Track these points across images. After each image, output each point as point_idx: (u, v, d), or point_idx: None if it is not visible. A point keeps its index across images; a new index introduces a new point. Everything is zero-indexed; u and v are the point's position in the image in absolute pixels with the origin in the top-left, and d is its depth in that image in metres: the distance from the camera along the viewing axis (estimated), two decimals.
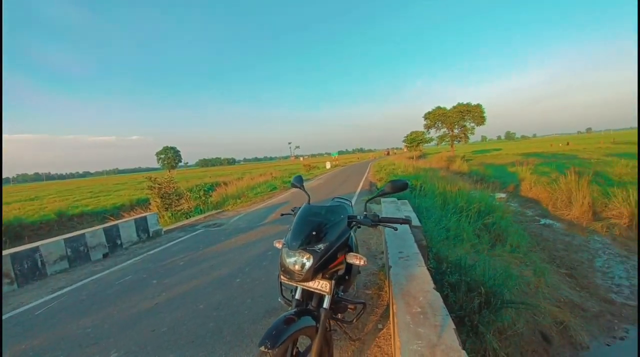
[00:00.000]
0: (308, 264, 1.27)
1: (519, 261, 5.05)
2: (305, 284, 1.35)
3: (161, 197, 8.91)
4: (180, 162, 70.33)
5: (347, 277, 1.56)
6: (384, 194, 1.56)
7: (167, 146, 66.75)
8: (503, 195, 12.25)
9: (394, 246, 1.98)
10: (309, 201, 1.72)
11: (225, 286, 3.30)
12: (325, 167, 33.66)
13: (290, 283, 1.38)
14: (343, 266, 1.43)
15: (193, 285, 3.43)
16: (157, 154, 66.97)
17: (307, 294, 1.47)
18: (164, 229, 6.67)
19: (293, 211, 1.64)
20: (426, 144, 50.34)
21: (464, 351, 0.94)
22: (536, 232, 7.24)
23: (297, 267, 1.29)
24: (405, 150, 55.10)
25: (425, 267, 1.59)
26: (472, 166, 23.24)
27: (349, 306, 1.59)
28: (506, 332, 3.56)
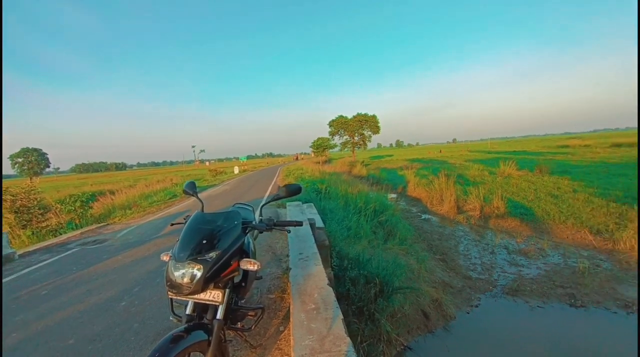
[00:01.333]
0: (198, 275, 1.19)
1: (406, 251, 5.84)
2: (195, 296, 1.26)
3: (15, 212, 7.02)
4: (48, 167, 56.75)
5: (243, 284, 1.52)
6: (278, 198, 1.59)
7: (28, 148, 53.05)
8: (394, 195, 14.02)
9: (295, 248, 2.04)
10: (202, 208, 1.63)
11: (105, 313, 2.80)
12: (233, 172, 32.29)
13: (180, 298, 1.27)
14: (238, 273, 1.39)
15: (60, 317, 2.79)
16: (12, 157, 52.47)
17: (202, 307, 1.37)
18: (19, 252, 5.25)
19: (185, 219, 1.51)
20: (331, 150, 53.77)
21: (348, 338, 1.03)
22: (419, 226, 8.53)
23: (185, 279, 1.20)
24: (312, 155, 57.57)
25: (322, 266, 1.69)
26: (370, 170, 25.88)
27: (249, 313, 1.55)
28: (397, 315, 4.07)
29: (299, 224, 1.51)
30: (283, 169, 27.30)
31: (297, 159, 72.63)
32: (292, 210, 3.85)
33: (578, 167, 14.64)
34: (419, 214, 10.14)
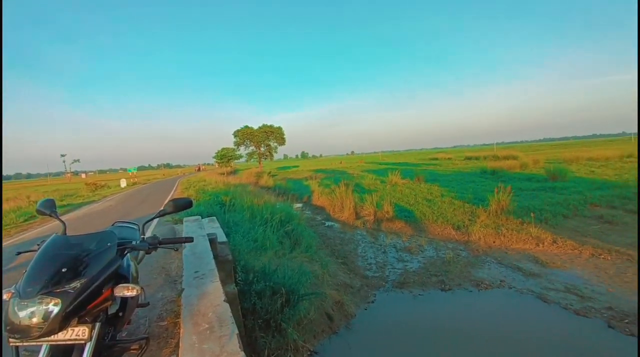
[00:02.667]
0: (55, 310, 0.97)
1: (311, 258, 6.05)
2: (51, 338, 1.02)
3: None
4: None
5: (121, 313, 1.31)
6: (164, 214, 1.46)
7: None
8: (300, 205, 14.42)
9: (190, 267, 1.88)
10: (65, 230, 1.34)
11: None
12: (119, 185, 27.65)
13: (29, 344, 1.00)
14: (112, 302, 1.20)
15: None
16: None
17: (64, 350, 1.11)
18: None
19: (39, 245, 1.22)
20: (237, 161, 51.96)
21: (242, 352, 1.01)
22: (323, 233, 8.99)
23: (36, 319, 0.96)
24: (217, 166, 54.36)
25: (219, 282, 1.60)
26: (277, 181, 26.03)
27: (131, 347, 1.35)
28: (303, 322, 4.15)
29: (189, 240, 1.40)
30: (182, 181, 24.92)
31: (199, 170, 67.39)
32: (189, 225, 3.54)
33: (444, 176, 18.02)
34: (323, 221, 10.68)
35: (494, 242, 6.71)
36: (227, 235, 4.75)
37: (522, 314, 4.26)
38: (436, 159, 40.20)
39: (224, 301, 1.39)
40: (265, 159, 47.06)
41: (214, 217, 5.21)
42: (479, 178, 15.71)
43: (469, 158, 34.08)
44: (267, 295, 3.97)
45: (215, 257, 2.77)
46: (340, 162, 61.02)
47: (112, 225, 1.84)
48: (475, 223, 7.59)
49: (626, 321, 3.76)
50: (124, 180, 29.40)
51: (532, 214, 7.25)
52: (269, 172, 34.17)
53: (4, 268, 4.78)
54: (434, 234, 7.77)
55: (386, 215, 9.34)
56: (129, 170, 40.27)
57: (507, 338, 3.80)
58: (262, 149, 45.19)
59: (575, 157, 20.01)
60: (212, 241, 2.89)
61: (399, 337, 4.05)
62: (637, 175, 9.96)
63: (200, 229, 3.24)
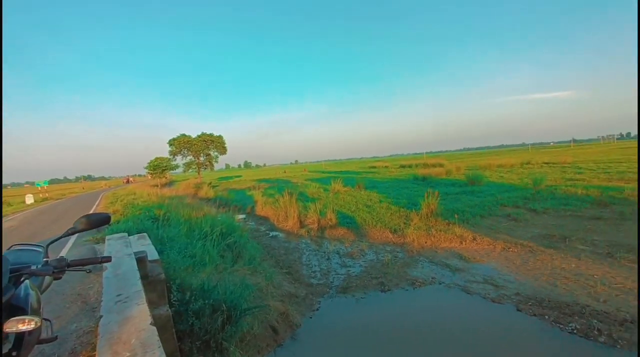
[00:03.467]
0: None
1: (254, 271, 5.88)
2: None
3: None
4: None
5: (15, 353, 1.11)
6: (75, 232, 1.29)
7: None
8: (243, 216, 13.96)
9: (111, 290, 1.68)
10: None
11: None
12: (24, 202, 23.47)
13: None
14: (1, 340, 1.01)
15: None
16: None
17: None
18: None
19: None
20: (173, 171, 48.28)
21: None
22: (267, 244, 8.81)
23: None
24: (149, 177, 49.71)
25: (146, 305, 1.46)
26: (218, 192, 24.83)
27: None
28: (246, 339, 3.98)
29: (106, 259, 1.26)
30: (108, 195, 22.27)
31: (128, 182, 60.84)
32: (113, 244, 3.17)
33: (382, 183, 19.17)
34: (267, 232, 10.48)
35: (426, 242, 7.33)
36: (160, 252, 4.37)
37: (451, 306, 4.71)
38: (374, 167, 42.62)
39: (151, 324, 1.27)
40: (205, 169, 44.59)
41: (145, 234, 4.76)
42: (412, 184, 17.08)
43: (403, 166, 36.88)
44: (207, 314, 3.74)
45: (145, 277, 2.53)
46: (284, 171, 60.88)
47: (8, 248, 1.56)
48: (410, 226, 8.21)
49: (530, 303, 4.41)
50: (31, 195, 25.01)
51: (455, 216, 8.13)
52: (210, 183, 32.46)
53: None
54: (374, 238, 8.18)
55: (329, 222, 9.56)
56: (38, 185, 34.40)
57: (439, 329, 4.16)
58: (201, 158, 42.75)
59: (488, 165, 23.05)
60: (141, 259, 2.63)
61: (344, 341, 4.14)
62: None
63: (126, 247, 2.93)
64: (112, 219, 10.51)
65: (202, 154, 42.46)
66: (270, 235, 9.99)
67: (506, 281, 5.15)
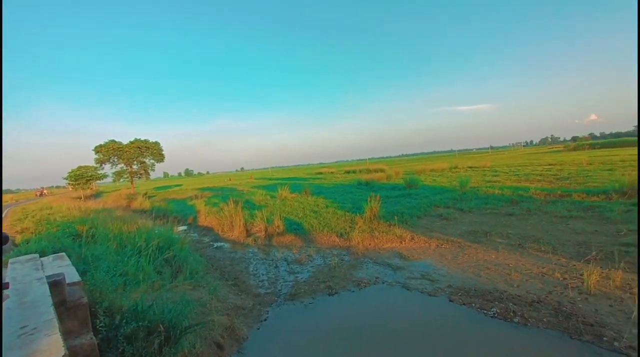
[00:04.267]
0: None
1: (196, 285, 5.53)
2: None
3: None
4: None
5: None
6: None
7: None
8: (184, 227, 13.06)
9: (14, 323, 1.42)
10: None
11: None
12: None
13: None
14: None
15: None
16: None
17: None
18: None
19: None
20: (100, 181, 43.12)
21: None
22: (211, 255, 8.36)
23: None
24: (70, 188, 43.63)
25: (59, 334, 1.27)
26: (155, 203, 22.87)
27: None
28: None
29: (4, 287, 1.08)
30: (16, 210, 19.05)
31: (41, 194, 52.68)
32: (17, 268, 2.71)
33: (328, 188, 19.63)
34: (212, 243, 9.96)
35: (370, 244, 7.68)
36: (82, 273, 3.89)
37: (394, 303, 4.99)
38: (321, 173, 43.48)
39: (64, 356, 1.12)
40: (140, 178, 40.75)
41: (63, 254, 4.18)
42: (356, 189, 17.80)
43: (348, 172, 38.27)
44: (141, 337, 3.41)
45: (62, 303, 2.21)
46: (229, 179, 58.62)
47: None
48: (355, 229, 8.53)
49: (459, 294, 4.89)
50: None
51: (395, 218, 8.69)
52: (145, 193, 29.72)
53: None
54: (321, 243, 8.32)
55: (277, 229, 9.45)
56: None
57: (384, 325, 4.37)
58: (134, 166, 38.96)
59: (423, 169, 25.18)
60: (56, 283, 2.29)
61: (292, 349, 4.11)
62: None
63: (37, 270, 2.53)
64: (20, 238, 8.99)
65: (135, 162, 38.75)
66: (215, 246, 9.51)
67: (440, 275, 5.64)
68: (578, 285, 4.64)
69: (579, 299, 4.32)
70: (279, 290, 5.79)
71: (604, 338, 3.50)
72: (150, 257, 5.87)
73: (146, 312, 3.64)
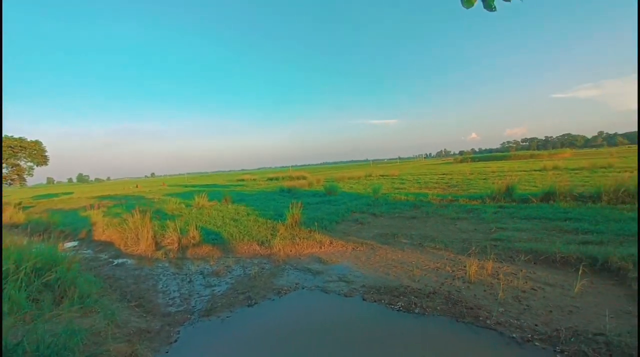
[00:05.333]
0: None
1: (87, 311, 4.72)
2: None
3: None
4: None
5: None
6: None
7: None
8: (74, 243, 11.04)
9: None
10: None
11: None
12: None
13: None
14: None
15: None
16: None
17: None
18: None
19: None
20: None
21: None
22: (110, 274, 7.23)
23: None
24: None
25: None
26: (34, 214, 18.68)
27: None
28: None
29: None
30: None
31: None
32: None
33: (250, 195, 19.15)
34: (111, 259, 8.63)
35: (291, 251, 7.76)
36: None
37: (313, 306, 5.13)
38: (243, 180, 42.10)
39: None
40: (9, 184, 32.79)
41: None
42: (278, 196, 17.81)
43: (271, 179, 38.06)
44: None
45: None
46: (136, 186, 51.99)
47: None
48: (276, 236, 8.51)
49: (371, 292, 5.32)
50: None
51: (316, 224, 9.00)
52: (19, 203, 24.07)
53: None
54: (242, 253, 8.04)
55: (192, 240, 8.75)
56: None
57: (304, 329, 4.45)
58: (4, 170, 31.17)
59: (342, 177, 26.75)
60: None
61: None
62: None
63: None
64: None
65: (5, 165, 31.10)
66: (115, 263, 8.27)
67: (355, 276, 6.05)
68: (462, 275, 5.56)
69: (463, 287, 5.17)
70: (193, 306, 5.36)
71: (480, 318, 4.26)
72: (22, 283, 4.77)
73: (12, 352, 2.95)
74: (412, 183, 19.47)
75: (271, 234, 8.94)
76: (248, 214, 11.74)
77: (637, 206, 8.49)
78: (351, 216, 10.76)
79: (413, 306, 4.77)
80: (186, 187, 38.02)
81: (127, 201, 21.88)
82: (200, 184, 44.80)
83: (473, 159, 60.49)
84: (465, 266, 5.73)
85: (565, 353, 3.43)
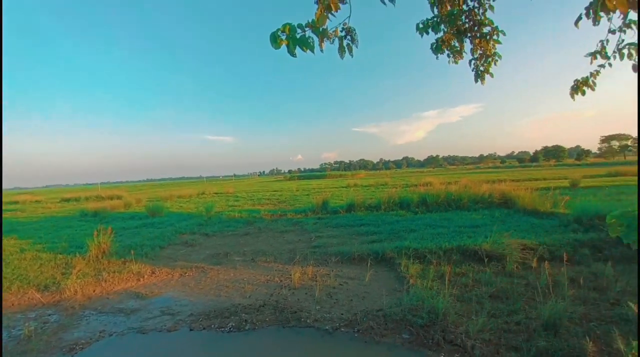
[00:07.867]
0: None
1: None
2: None
3: None
4: None
5: None
6: None
7: None
8: None
9: None
10: None
11: None
12: None
13: None
14: None
15: None
16: None
17: None
18: None
19: None
20: None
21: None
22: None
23: None
24: None
25: None
26: None
27: None
28: None
29: None
30: None
31: None
32: None
33: (29, 223, 13.87)
34: None
35: (94, 291, 6.14)
36: None
37: (124, 355, 4.23)
38: (16, 202, 29.91)
39: None
40: None
41: None
42: (78, 222, 13.79)
43: (67, 200, 29.05)
44: None
45: None
46: None
47: None
48: (71, 275, 6.53)
49: (200, 320, 4.95)
50: None
51: (132, 252, 7.56)
52: None
53: None
54: (7, 307, 5.63)
55: None
56: None
57: None
58: None
59: (169, 196, 23.84)
60: None
61: None
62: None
63: None
64: None
65: None
66: None
67: (182, 305, 5.49)
68: (289, 283, 6.13)
69: (289, 294, 5.69)
70: None
71: (302, 319, 4.81)
72: None
73: None
74: (247, 200, 19.87)
75: (62, 273, 6.76)
76: (22, 251, 8.36)
77: (401, 211, 12.13)
78: (179, 238, 9.74)
79: (244, 323, 4.81)
80: None
81: None
82: None
83: (299, 177, 68.71)
84: (291, 274, 6.35)
85: (360, 332, 4.41)
